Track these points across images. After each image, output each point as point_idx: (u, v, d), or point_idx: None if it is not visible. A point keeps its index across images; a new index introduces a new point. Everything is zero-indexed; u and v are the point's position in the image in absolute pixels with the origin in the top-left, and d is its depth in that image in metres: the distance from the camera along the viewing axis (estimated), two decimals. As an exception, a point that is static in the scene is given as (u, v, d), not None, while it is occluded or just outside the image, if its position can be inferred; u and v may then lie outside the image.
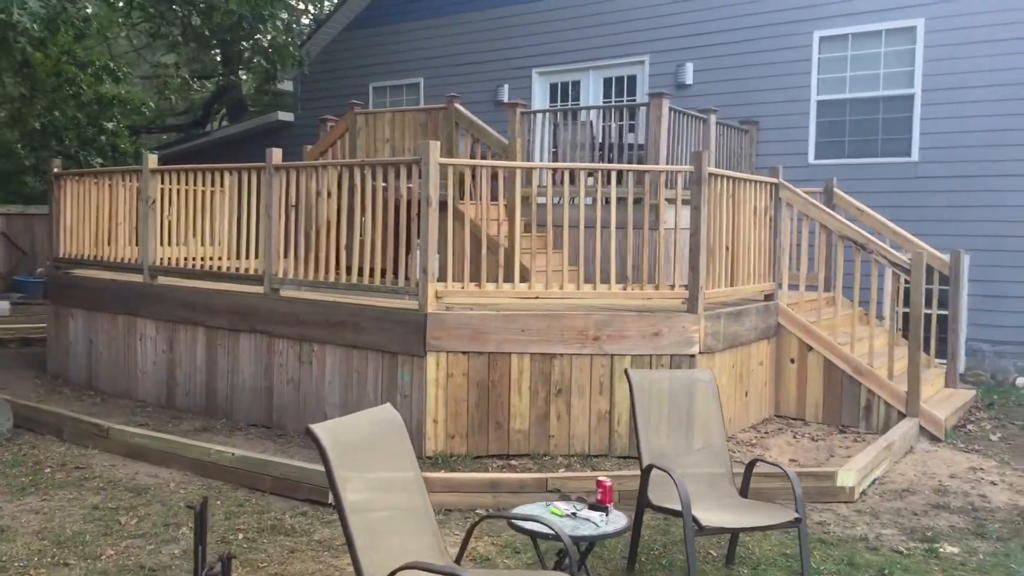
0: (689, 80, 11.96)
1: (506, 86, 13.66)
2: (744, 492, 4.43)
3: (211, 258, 7.87)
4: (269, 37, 12.17)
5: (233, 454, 5.86)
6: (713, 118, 10.20)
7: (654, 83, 12.29)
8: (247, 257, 7.52)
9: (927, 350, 8.19)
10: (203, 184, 7.76)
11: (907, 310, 7.96)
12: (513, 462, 6.29)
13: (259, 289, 7.35)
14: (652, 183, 6.95)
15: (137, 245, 8.63)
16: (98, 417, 7.15)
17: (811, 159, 11.03)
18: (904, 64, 10.47)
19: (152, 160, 8.17)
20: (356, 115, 10.18)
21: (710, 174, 6.62)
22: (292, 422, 7.09)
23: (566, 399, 6.44)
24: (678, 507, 3.91)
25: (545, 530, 3.39)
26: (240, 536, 4.83)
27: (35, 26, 9.76)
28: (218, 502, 5.42)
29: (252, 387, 7.36)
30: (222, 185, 7.71)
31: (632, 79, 12.66)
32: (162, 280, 8.22)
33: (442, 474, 5.56)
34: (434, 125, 9.53)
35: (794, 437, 7.15)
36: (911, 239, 8.77)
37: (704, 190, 6.56)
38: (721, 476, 4.36)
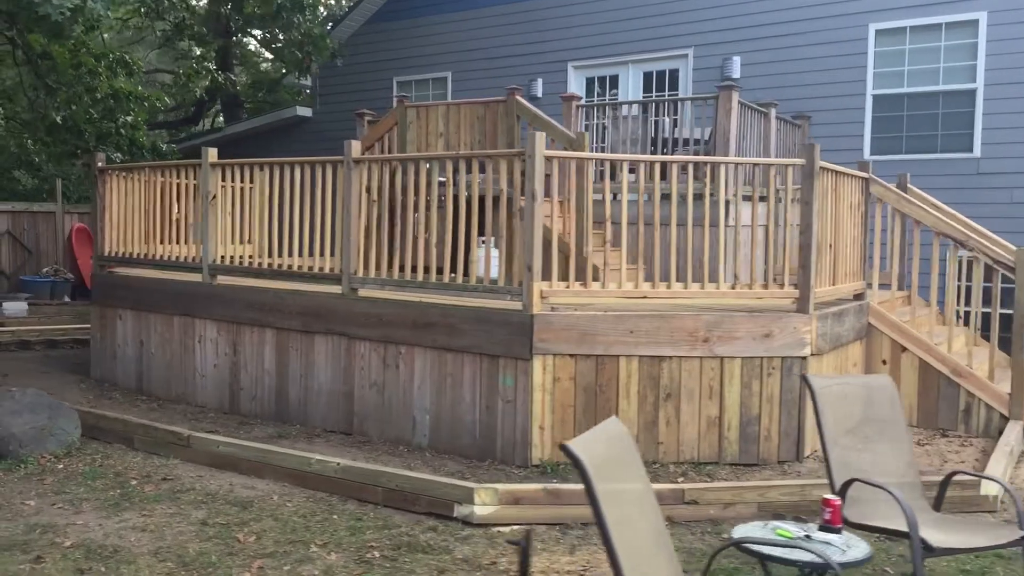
0: (736, 74, 11.68)
1: (540, 80, 13.34)
2: (937, 506, 4.15)
3: (262, 257, 7.47)
4: (304, 27, 11.74)
5: (338, 464, 5.51)
6: (773, 112, 9.97)
7: (698, 77, 12.04)
8: (317, 256, 7.14)
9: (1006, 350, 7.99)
10: (274, 179, 7.36)
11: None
12: (623, 470, 5.97)
13: (336, 289, 6.99)
14: (728, 178, 6.70)
15: (192, 243, 8.24)
16: (159, 423, 6.75)
17: (866, 155, 10.79)
18: (966, 58, 10.27)
19: (212, 154, 7.77)
20: (406, 108, 9.83)
21: (821, 168, 6.34)
22: (375, 428, 6.74)
23: (675, 404, 6.14)
24: (885, 525, 3.63)
25: (809, 557, 3.04)
26: (376, 554, 4.48)
27: (65, 13, 9.33)
28: (334, 516, 5.06)
29: (329, 391, 7.00)
30: (291, 180, 7.32)
31: (674, 73, 12.38)
32: (222, 280, 7.83)
33: (574, 485, 5.22)
34: (493, 119, 9.20)
35: (898, 441, 6.89)
36: (991, 236, 8.55)
37: (816, 184, 6.29)
38: (913, 489, 4.07)
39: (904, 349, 7.47)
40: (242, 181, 7.67)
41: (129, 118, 14.12)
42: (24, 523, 4.91)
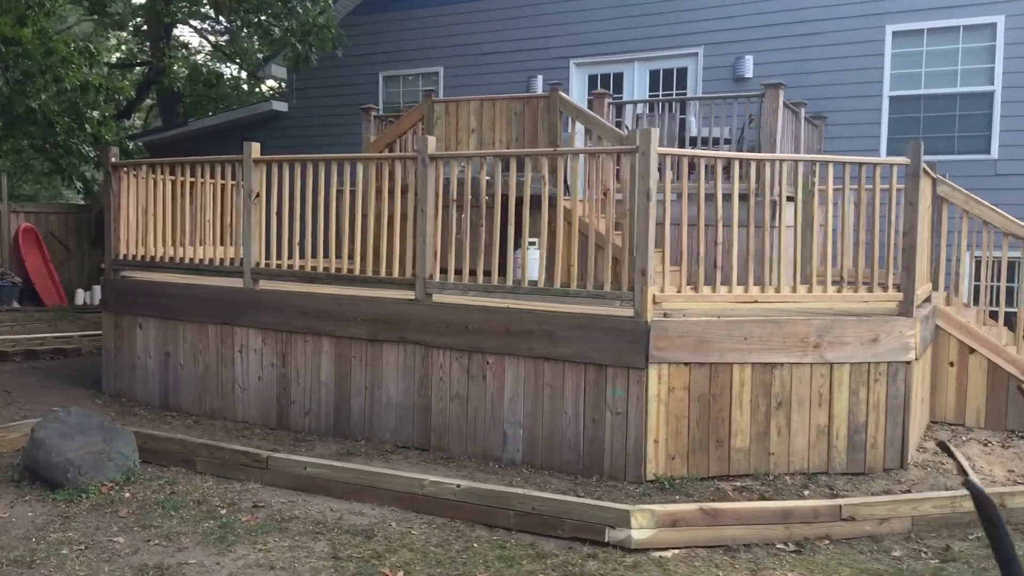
0: (748, 74, 11.59)
1: (540, 77, 12.99)
2: None
3: (314, 260, 6.95)
4: (311, 15, 11.06)
5: (458, 486, 5.06)
6: (803, 111, 9.87)
7: (708, 76, 11.90)
8: (384, 259, 6.66)
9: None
10: (332, 176, 6.83)
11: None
12: (737, 483, 5.71)
13: (407, 294, 6.52)
14: (774, 178, 6.48)
15: (225, 245, 7.63)
16: (226, 443, 6.16)
17: (883, 156, 10.81)
18: (984, 61, 10.37)
19: (255, 149, 7.18)
20: (434, 103, 9.34)
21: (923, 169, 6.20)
22: (457, 443, 6.30)
23: (786, 413, 5.89)
24: None
25: None
26: (553, 589, 4.09)
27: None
28: (473, 544, 4.63)
29: (401, 404, 6.52)
30: (353, 177, 6.80)
31: (682, 72, 12.21)
32: (264, 285, 7.25)
33: (731, 504, 4.91)
34: (532, 115, 8.82)
35: (984, 445, 6.82)
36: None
37: (920, 184, 6.14)
38: None
39: (972, 351, 7.41)
40: (290, 178, 7.11)
41: (96, 113, 13.18)
42: (128, 565, 4.33)
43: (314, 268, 6.96)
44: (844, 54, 11.03)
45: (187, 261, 7.63)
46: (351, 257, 6.83)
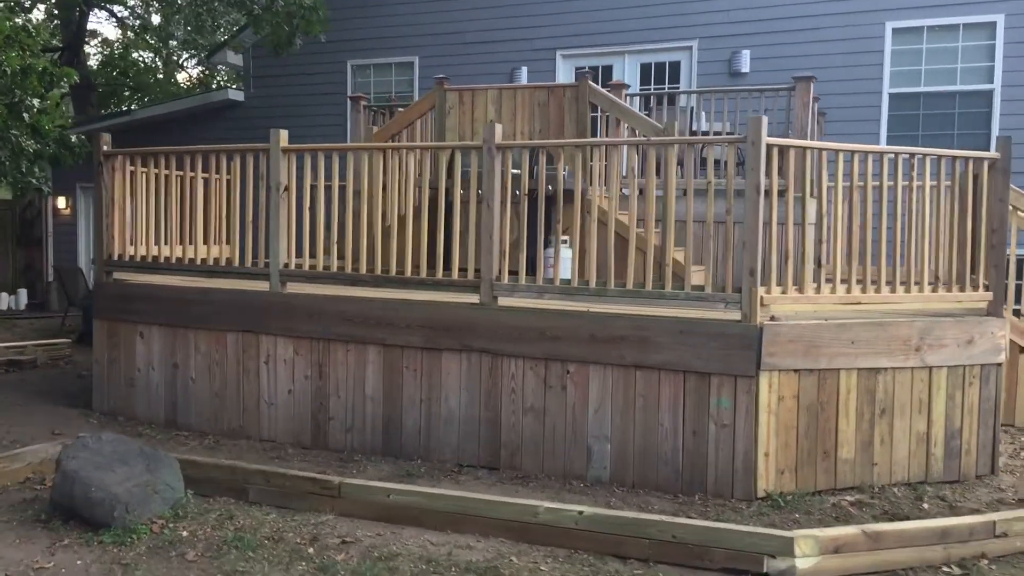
0: (745, 68, 11.39)
1: (524, 69, 12.50)
2: None
3: (339, 263, 6.30)
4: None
5: (580, 513, 4.52)
6: (816, 106, 9.68)
7: (703, 70, 11.65)
8: (439, 258, 6.06)
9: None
10: (376, 168, 6.19)
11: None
12: (848, 497, 5.35)
13: (469, 297, 5.94)
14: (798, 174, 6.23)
15: (215, 244, 6.88)
16: (285, 468, 5.45)
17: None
18: (983, 59, 10.41)
19: (283, 137, 6.46)
20: (446, 91, 8.75)
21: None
22: (533, 461, 5.76)
23: (888, 420, 5.58)
24: None
25: None
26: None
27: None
28: (620, 582, 4.12)
29: (465, 419, 5.93)
30: (404, 169, 6.18)
31: (675, 66, 11.91)
32: (293, 288, 6.54)
33: (891, 526, 4.51)
34: (558, 105, 8.32)
35: (1052, 447, 6.69)
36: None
37: (1008, 180, 5.92)
38: None
39: (1023, 350, 7.30)
40: (327, 168, 6.42)
41: (36, 101, 11.98)
42: (235, 623, 3.65)
43: (356, 269, 6.30)
44: (844, 50, 10.93)
45: (199, 262, 6.83)
46: (399, 257, 6.20)
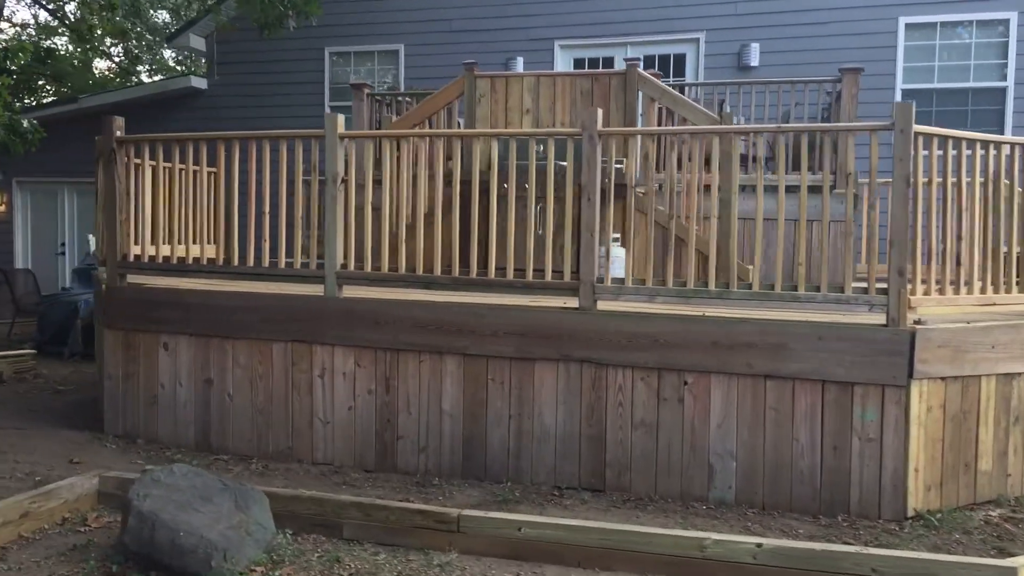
0: (755, 62, 11.07)
1: (520, 59, 11.90)
2: None
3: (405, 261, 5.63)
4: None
5: (758, 546, 3.99)
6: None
7: (710, 63, 11.29)
8: (529, 259, 5.45)
9: None
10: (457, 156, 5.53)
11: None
12: (994, 512, 4.98)
13: (567, 301, 5.36)
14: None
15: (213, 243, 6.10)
16: (390, 500, 4.74)
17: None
18: (996, 56, 10.35)
19: (340, 122, 5.73)
20: (476, 78, 8.11)
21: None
22: (643, 481, 5.20)
23: (1021, 428, 5.24)
24: None
25: None
26: None
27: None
28: (837, 627, 3.60)
29: (563, 436, 5.33)
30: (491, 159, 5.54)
31: (680, 58, 11.52)
32: (348, 292, 5.82)
33: None
34: (603, 94, 7.79)
35: None
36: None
37: None
38: None
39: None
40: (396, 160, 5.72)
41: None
42: None
43: (429, 270, 5.63)
44: (856, 45, 10.71)
45: (235, 263, 6.02)
46: (483, 257, 5.56)
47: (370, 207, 5.73)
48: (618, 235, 6.97)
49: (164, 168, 6.27)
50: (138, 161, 6.32)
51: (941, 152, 4.99)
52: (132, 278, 6.35)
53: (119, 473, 5.02)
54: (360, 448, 5.73)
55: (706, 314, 5.16)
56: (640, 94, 7.66)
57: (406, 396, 5.63)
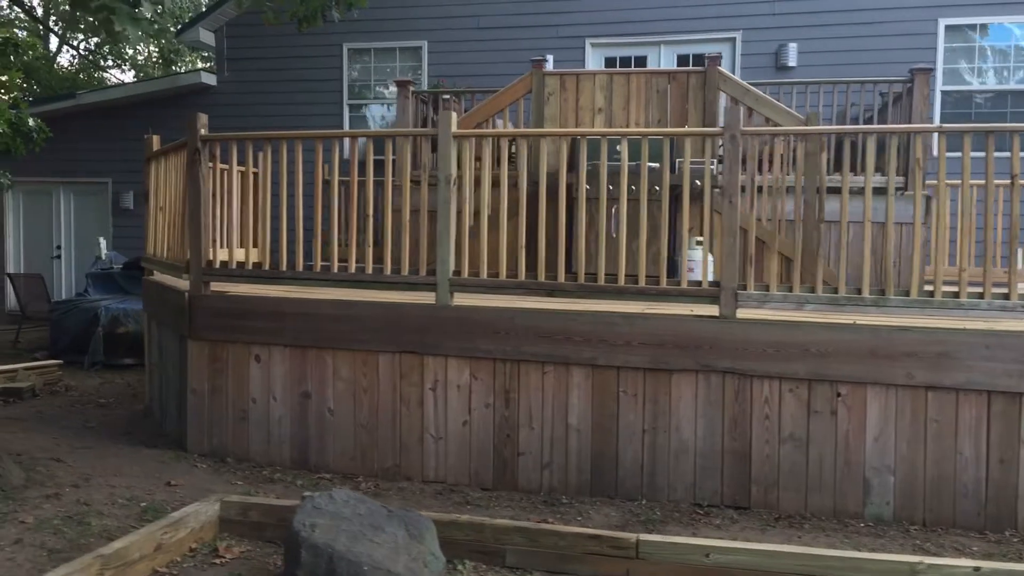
0: (792, 62, 10.96)
1: (551, 58, 11.57)
2: None
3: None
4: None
5: (976, 569, 3.77)
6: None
7: (746, 63, 11.14)
8: (663, 264, 5.18)
9: None
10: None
11: None
12: None
13: (707, 309, 5.10)
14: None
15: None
16: (555, 525, 4.42)
17: (934, 151, 10.54)
18: (1037, 59, 10.38)
19: (453, 120, 5.39)
20: (544, 76, 7.83)
21: None
22: (794, 497, 4.96)
23: None
24: None
25: None
26: None
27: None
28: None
29: (703, 451, 5.07)
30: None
31: (715, 59, 11.32)
32: (460, 300, 5.49)
33: None
34: (680, 93, 7.58)
35: None
36: None
37: None
38: None
39: None
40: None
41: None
42: None
43: (552, 277, 5.32)
44: (895, 46, 10.65)
45: (336, 270, 5.64)
46: (609, 263, 5.28)
47: (470, 210, 5.40)
48: (701, 238, 6.75)
49: (238, 171, 5.86)
50: (231, 167, 5.91)
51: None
52: (215, 286, 5.93)
53: (242, 498, 4.62)
54: (476, 465, 5.40)
55: (856, 322, 4.94)
56: (721, 93, 7.45)
57: (528, 410, 5.31)
